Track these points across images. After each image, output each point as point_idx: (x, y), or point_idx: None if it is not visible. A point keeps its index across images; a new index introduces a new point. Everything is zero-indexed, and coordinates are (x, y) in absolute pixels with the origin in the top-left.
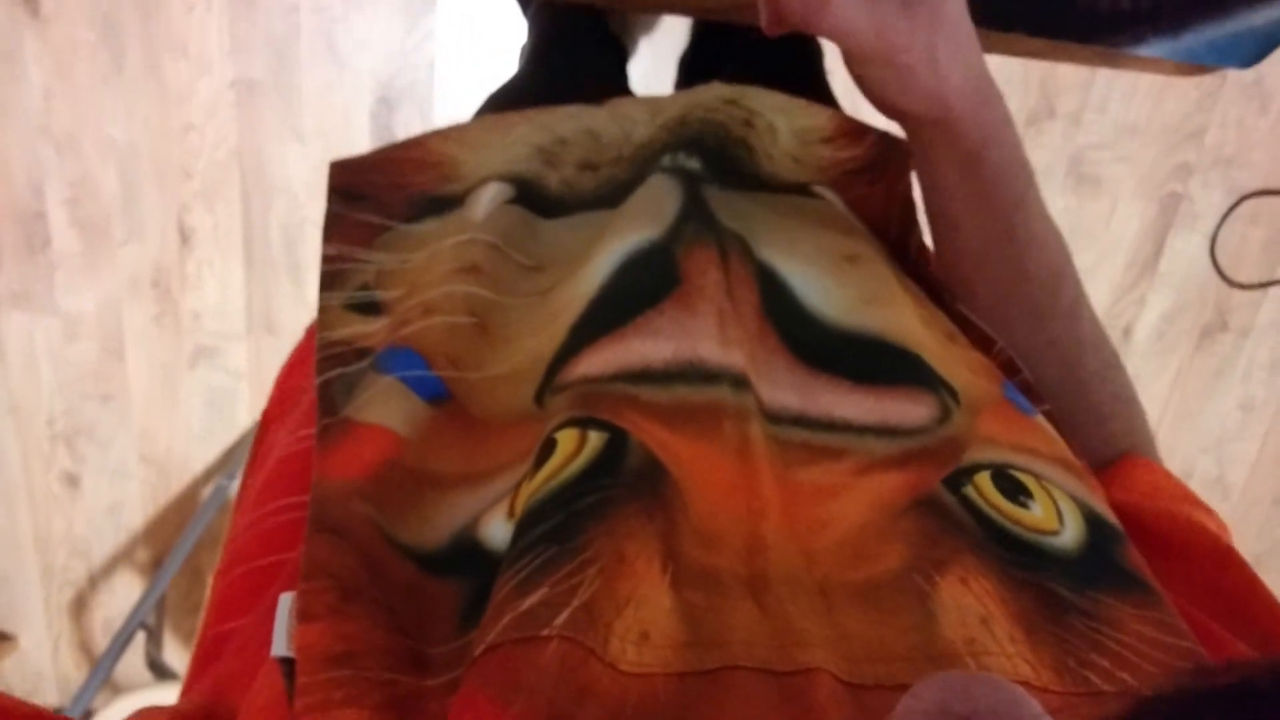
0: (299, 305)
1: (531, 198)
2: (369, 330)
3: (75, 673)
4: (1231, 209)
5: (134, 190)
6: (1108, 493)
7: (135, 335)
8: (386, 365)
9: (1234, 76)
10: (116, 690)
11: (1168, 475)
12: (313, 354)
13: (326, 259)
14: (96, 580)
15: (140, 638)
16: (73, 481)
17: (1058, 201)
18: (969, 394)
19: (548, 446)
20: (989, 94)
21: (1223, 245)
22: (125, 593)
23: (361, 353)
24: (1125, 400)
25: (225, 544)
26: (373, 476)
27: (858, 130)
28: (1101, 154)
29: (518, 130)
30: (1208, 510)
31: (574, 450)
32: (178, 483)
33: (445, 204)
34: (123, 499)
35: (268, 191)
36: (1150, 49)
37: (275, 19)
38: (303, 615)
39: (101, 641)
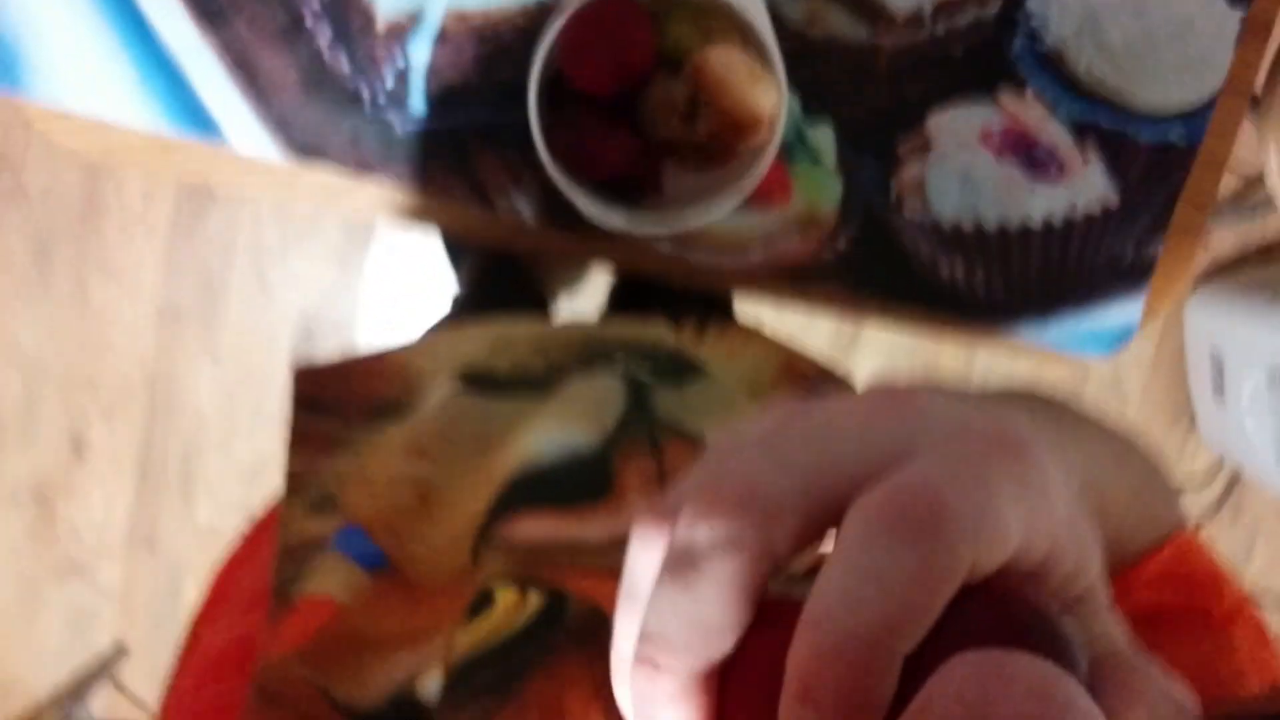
0: (186, 526)
1: (481, 383)
2: (324, 528)
3: None
4: None
5: (34, 399)
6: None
7: (3, 546)
8: (334, 543)
9: (1096, 374)
10: None
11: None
12: (252, 555)
13: (291, 474)
14: None
15: None
16: None
17: None
18: None
19: (484, 599)
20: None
21: None
22: None
23: (315, 547)
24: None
25: None
26: (313, 641)
27: (801, 375)
28: None
29: (471, 330)
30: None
31: (514, 608)
32: (18, 705)
33: (402, 408)
34: None
35: (173, 411)
36: (1022, 334)
37: (213, 249)
38: None
39: None
